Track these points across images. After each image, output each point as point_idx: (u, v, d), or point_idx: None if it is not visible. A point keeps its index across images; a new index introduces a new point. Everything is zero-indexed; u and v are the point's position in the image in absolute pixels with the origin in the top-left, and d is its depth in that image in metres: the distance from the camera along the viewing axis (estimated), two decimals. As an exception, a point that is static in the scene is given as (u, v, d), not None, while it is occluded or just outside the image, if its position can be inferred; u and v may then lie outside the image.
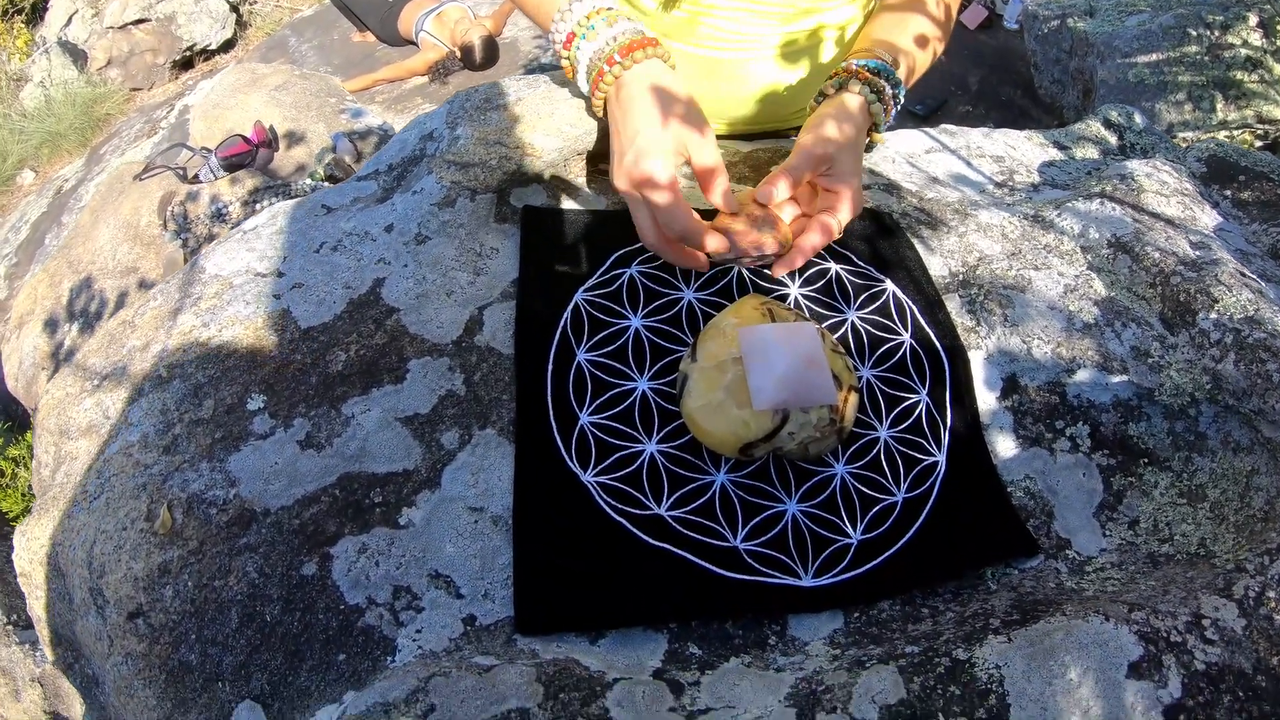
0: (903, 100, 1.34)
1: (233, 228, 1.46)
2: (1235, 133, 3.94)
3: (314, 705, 0.98)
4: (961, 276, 1.38)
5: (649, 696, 0.92)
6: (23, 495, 3.54)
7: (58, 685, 2.89)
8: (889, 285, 1.35)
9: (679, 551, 1.07)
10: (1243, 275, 1.30)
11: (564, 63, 1.30)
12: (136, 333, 1.30)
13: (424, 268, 1.31)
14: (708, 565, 1.06)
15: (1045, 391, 1.26)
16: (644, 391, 1.19)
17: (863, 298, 1.33)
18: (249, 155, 3.99)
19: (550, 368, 1.20)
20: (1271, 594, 0.95)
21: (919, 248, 1.41)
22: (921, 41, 1.38)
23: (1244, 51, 4.01)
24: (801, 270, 1.35)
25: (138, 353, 1.26)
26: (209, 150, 3.99)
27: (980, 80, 5.33)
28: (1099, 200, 1.46)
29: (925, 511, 1.14)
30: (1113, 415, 1.23)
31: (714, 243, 1.18)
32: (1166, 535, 1.14)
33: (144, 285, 3.66)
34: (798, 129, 1.32)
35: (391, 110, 6.27)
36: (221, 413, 1.17)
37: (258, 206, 3.72)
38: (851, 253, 1.38)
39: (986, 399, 1.26)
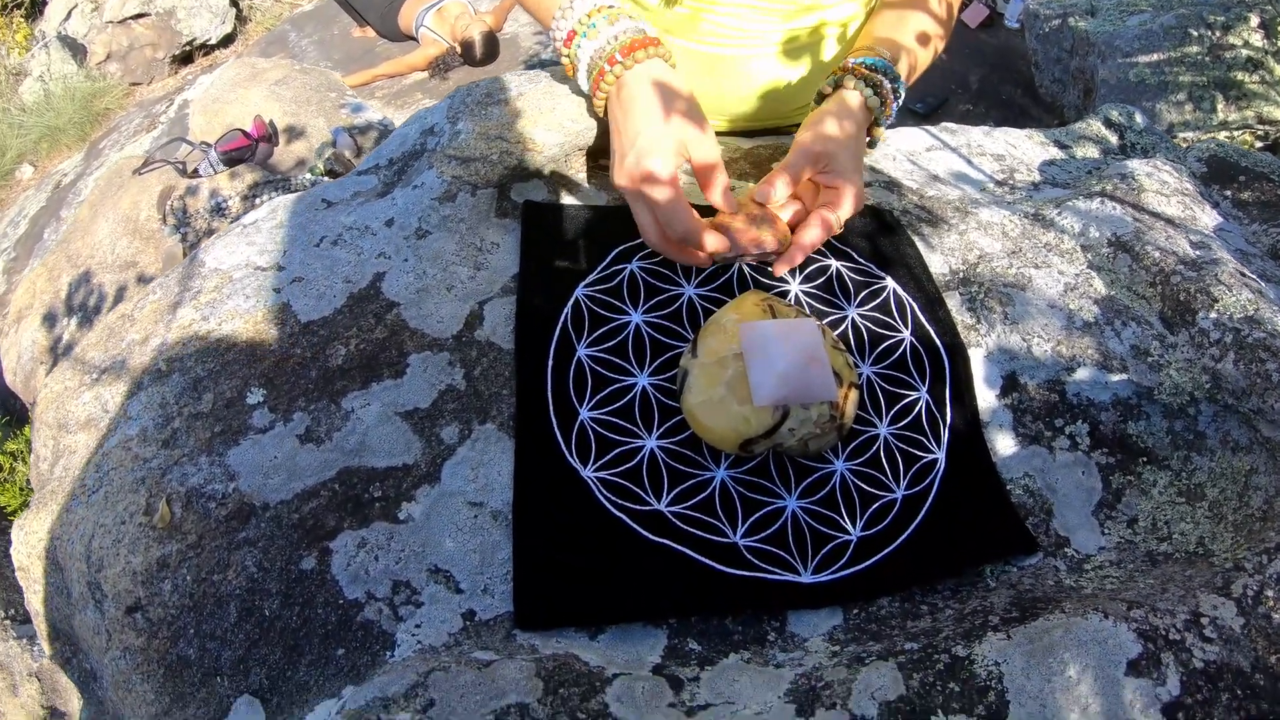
0: (903, 97, 1.33)
1: (232, 222, 1.46)
2: (1236, 133, 3.95)
3: (313, 700, 0.98)
4: (962, 274, 1.38)
5: (648, 692, 0.92)
6: (20, 489, 3.53)
7: (55, 680, 2.89)
8: (889, 282, 1.35)
9: (679, 547, 1.07)
10: (1242, 275, 1.30)
11: (564, 60, 1.30)
12: (135, 326, 1.30)
13: (424, 262, 1.31)
14: (707, 561, 1.06)
15: (1045, 389, 1.26)
16: (644, 387, 1.19)
17: (863, 295, 1.33)
18: (249, 150, 3.99)
19: (550, 363, 1.20)
20: (1270, 593, 0.95)
21: (919, 245, 1.41)
22: (923, 39, 1.38)
23: (1245, 52, 4.01)
24: (802, 267, 1.35)
25: (137, 346, 1.26)
26: (208, 145, 3.98)
27: (981, 79, 5.33)
28: (1099, 199, 1.46)
29: (925, 509, 1.14)
30: (1112, 414, 1.23)
31: (714, 242, 1.18)
32: (1165, 534, 1.14)
33: (143, 279, 3.65)
34: (799, 125, 1.31)
35: (391, 105, 6.27)
36: (221, 406, 1.17)
37: (257, 201, 3.72)
38: (852, 250, 1.38)
39: (986, 397, 1.26)
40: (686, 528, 1.08)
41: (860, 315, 1.30)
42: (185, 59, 7.75)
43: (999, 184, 1.66)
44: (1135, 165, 1.56)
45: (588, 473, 1.11)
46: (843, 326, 1.29)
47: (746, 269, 1.33)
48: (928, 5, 1.39)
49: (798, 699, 0.91)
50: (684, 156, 1.20)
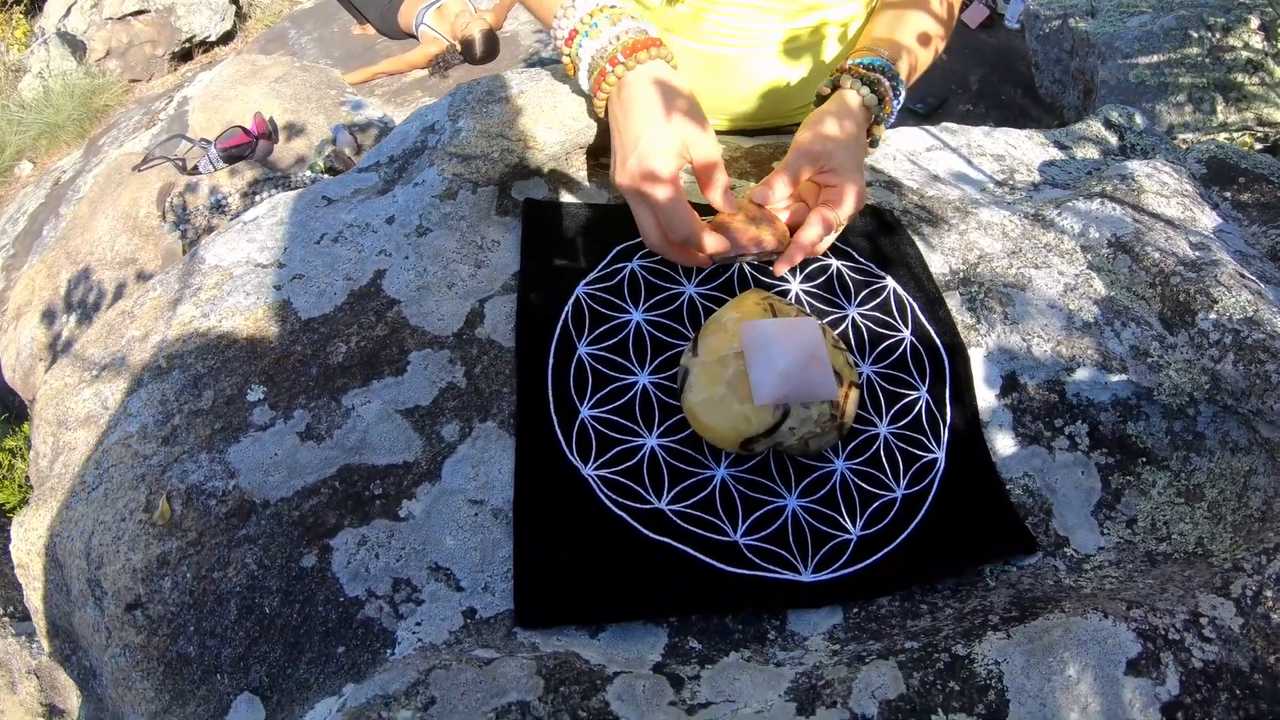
0: (904, 97, 1.33)
1: (232, 219, 1.46)
2: (1235, 135, 3.95)
3: (313, 697, 0.98)
4: (962, 274, 1.38)
5: (649, 690, 0.92)
6: (19, 486, 3.53)
7: (54, 677, 2.89)
8: (890, 282, 1.35)
9: (679, 545, 1.07)
10: (1242, 276, 1.30)
11: (565, 60, 1.30)
12: (135, 323, 1.30)
13: (425, 260, 1.31)
14: (708, 560, 1.06)
15: (1045, 390, 1.26)
16: (645, 385, 1.19)
17: (863, 294, 1.33)
18: (249, 147, 3.99)
19: (551, 361, 1.20)
20: (1268, 593, 0.95)
21: (920, 245, 1.41)
22: (923, 39, 1.38)
23: (1245, 54, 4.02)
24: (802, 266, 1.35)
25: (137, 343, 1.26)
26: (208, 142, 3.99)
27: (981, 79, 5.33)
28: (1099, 200, 1.47)
29: (924, 508, 1.14)
30: (1111, 414, 1.23)
31: (713, 243, 1.18)
32: (1164, 534, 1.14)
33: (142, 276, 3.66)
34: (799, 125, 1.32)
35: (391, 103, 6.27)
36: (221, 404, 1.17)
37: (257, 198, 3.72)
38: (852, 249, 1.38)
39: (986, 396, 1.26)
40: (687, 526, 1.08)
41: (860, 315, 1.31)
42: (185, 56, 7.76)
43: (999, 184, 1.66)
44: (1135, 166, 1.56)
45: (588, 471, 1.11)
46: (843, 326, 1.29)
47: (747, 268, 1.33)
48: (928, 5, 1.39)
49: (798, 697, 0.92)
50: (685, 158, 1.20)
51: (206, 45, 7.84)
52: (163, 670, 1.02)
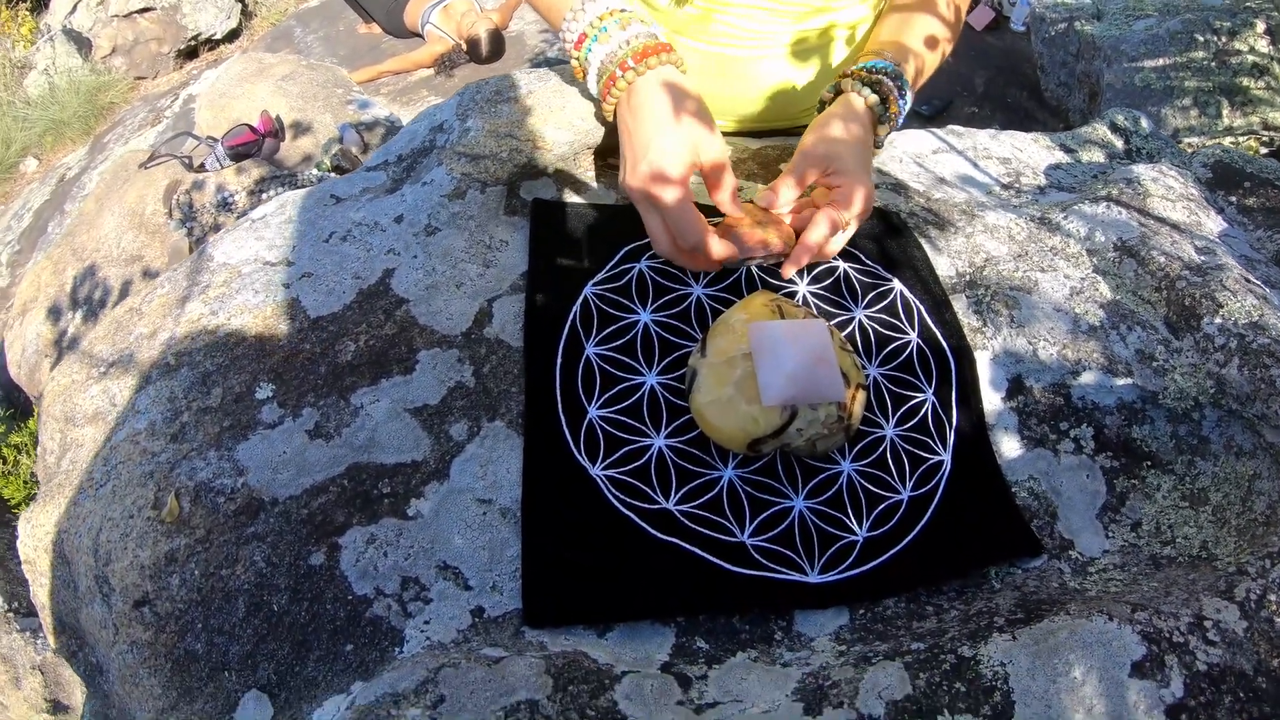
0: (910, 98, 1.33)
1: (239, 217, 1.46)
2: (1241, 139, 3.94)
3: (321, 695, 0.98)
4: (968, 277, 1.39)
5: (657, 689, 0.92)
6: (25, 482, 3.53)
7: (58, 673, 2.90)
8: (896, 284, 1.35)
9: (687, 546, 1.07)
10: (1247, 281, 1.30)
11: (574, 63, 1.29)
12: (144, 320, 1.30)
13: (434, 259, 1.31)
14: (715, 560, 1.06)
15: (1050, 393, 1.26)
16: (653, 386, 1.20)
17: (870, 296, 1.33)
18: (255, 145, 3.99)
19: (559, 361, 1.20)
20: (1272, 597, 0.96)
21: (926, 248, 1.41)
22: (930, 42, 1.38)
23: (1251, 58, 4.02)
24: (810, 268, 1.35)
25: (145, 340, 1.27)
26: (215, 139, 3.99)
27: (986, 82, 5.32)
28: (1105, 204, 1.47)
29: (930, 510, 1.14)
30: (1117, 418, 1.23)
31: (720, 248, 1.18)
32: (1169, 538, 1.14)
33: (148, 274, 3.66)
34: (806, 127, 1.32)
35: (397, 102, 6.27)
36: (230, 401, 1.17)
37: (264, 196, 3.72)
38: (860, 252, 1.38)
39: (992, 399, 1.27)
40: (694, 526, 1.09)
41: (867, 317, 1.31)
42: (190, 54, 7.77)
43: (1005, 187, 1.66)
44: (1141, 170, 1.56)
45: (596, 471, 1.12)
46: (850, 328, 1.29)
47: (755, 270, 1.33)
48: (935, 8, 1.39)
49: (805, 698, 0.92)
50: (695, 163, 1.20)
51: (212, 43, 7.85)
52: (170, 667, 1.03)
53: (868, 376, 1.24)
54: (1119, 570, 1.10)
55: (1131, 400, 1.24)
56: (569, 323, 1.24)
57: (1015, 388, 1.27)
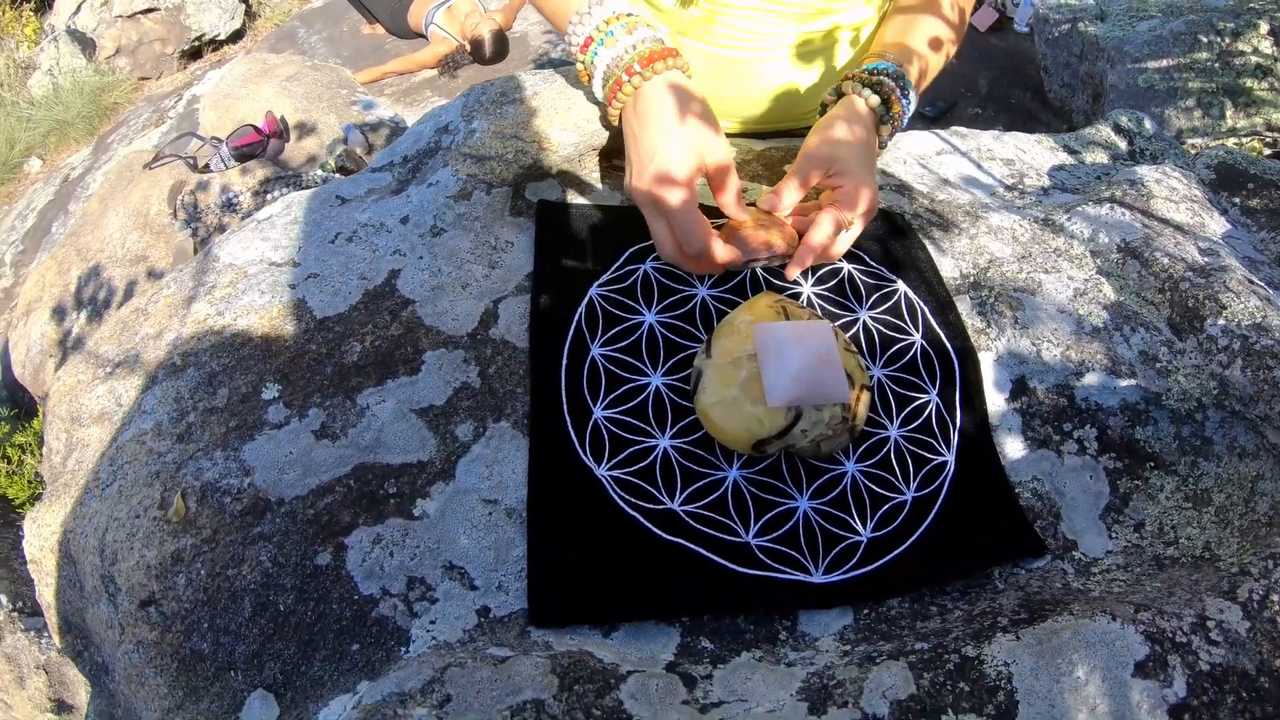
0: (914, 100, 1.33)
1: (244, 217, 1.47)
2: (1244, 140, 3.94)
3: (327, 695, 0.98)
4: (972, 278, 1.39)
5: (662, 689, 0.93)
6: (29, 482, 3.54)
7: (63, 672, 2.90)
8: (901, 286, 1.35)
9: (692, 546, 1.07)
10: (1250, 282, 1.31)
11: (579, 67, 1.29)
12: (150, 320, 1.31)
13: (439, 260, 1.32)
14: (720, 560, 1.07)
15: (1054, 394, 1.26)
16: (658, 387, 1.20)
17: (874, 298, 1.33)
18: (260, 145, 4.00)
19: (565, 362, 1.21)
20: (1275, 597, 0.96)
21: (930, 249, 1.42)
22: (935, 43, 1.38)
23: (1254, 59, 4.01)
24: (814, 269, 1.35)
25: (151, 340, 1.27)
26: (220, 140, 3.99)
27: (990, 83, 5.32)
28: (1109, 205, 1.47)
29: (934, 511, 1.15)
30: (1120, 419, 1.24)
31: (724, 253, 1.18)
32: (1172, 538, 1.14)
33: (153, 274, 3.66)
34: (810, 128, 1.32)
35: (401, 103, 6.28)
36: (236, 401, 1.17)
37: (268, 197, 3.73)
38: (864, 253, 1.39)
39: (996, 400, 1.27)
40: (699, 527, 1.09)
41: (872, 318, 1.31)
42: (194, 54, 7.78)
43: (1009, 188, 1.66)
44: (1144, 171, 1.57)
45: (601, 471, 1.12)
46: (854, 329, 1.29)
47: (760, 271, 1.33)
48: (939, 9, 1.40)
49: (810, 697, 0.92)
50: (701, 168, 1.20)
51: (216, 43, 7.86)
52: (176, 666, 1.03)
53: (872, 378, 1.25)
54: (1122, 571, 1.10)
55: (1135, 401, 1.24)
56: (574, 324, 1.24)
57: (1019, 389, 1.27)
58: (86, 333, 3.58)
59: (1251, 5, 4.18)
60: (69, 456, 1.24)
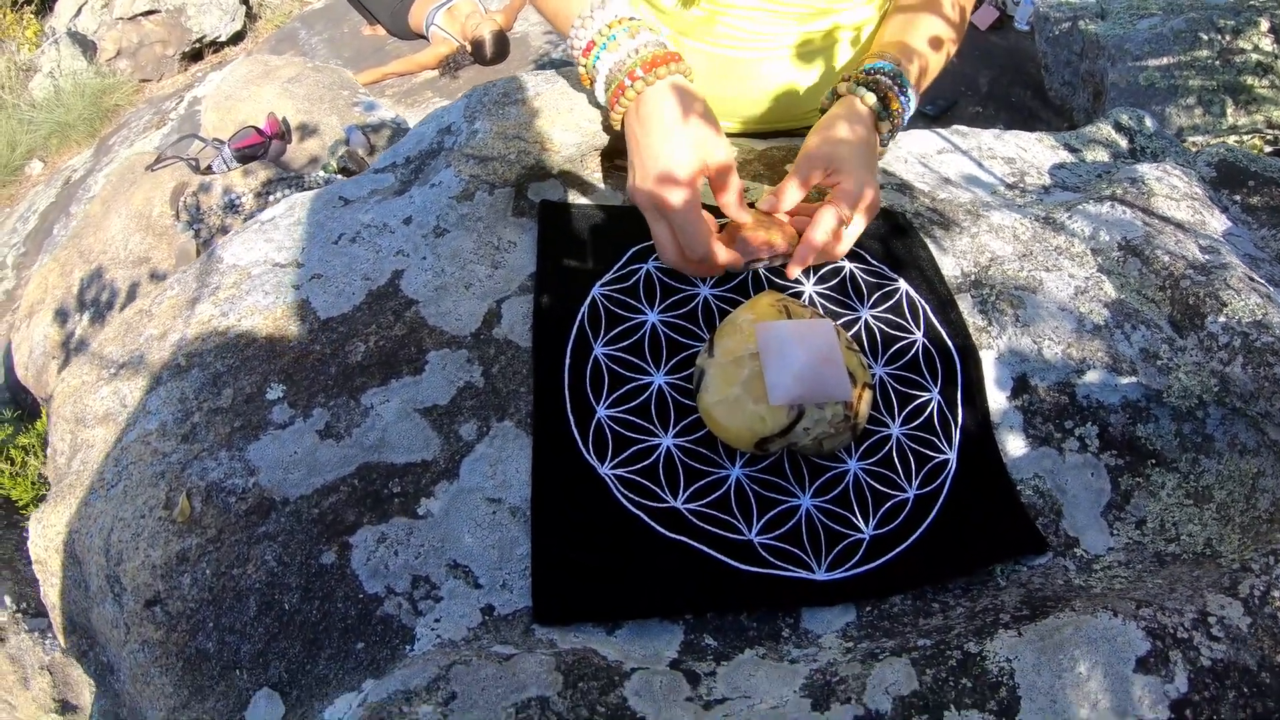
0: (913, 97, 1.34)
1: (246, 219, 1.47)
2: (1245, 138, 3.94)
3: (332, 693, 0.99)
4: (973, 276, 1.39)
5: (666, 686, 0.93)
6: (32, 484, 3.54)
7: (67, 673, 2.90)
8: (902, 284, 1.36)
9: (695, 544, 1.08)
10: (1251, 280, 1.31)
11: (580, 70, 1.28)
12: (154, 321, 1.31)
13: (442, 260, 1.32)
14: (723, 558, 1.07)
15: (1055, 392, 1.27)
16: (660, 386, 1.20)
17: (876, 296, 1.34)
18: (262, 147, 4.00)
19: (568, 361, 1.21)
20: (1276, 593, 0.96)
21: (931, 247, 1.42)
22: (935, 42, 1.38)
23: (1255, 56, 4.01)
24: (816, 268, 1.36)
25: (155, 341, 1.27)
26: (222, 141, 3.99)
27: (991, 81, 5.32)
28: (1109, 203, 1.47)
29: (936, 508, 1.15)
30: (1121, 416, 1.24)
31: (726, 256, 1.19)
32: (1173, 535, 1.15)
33: (155, 276, 3.66)
34: (811, 128, 1.32)
35: (402, 104, 6.28)
36: (240, 402, 1.18)
37: (270, 198, 3.72)
38: (865, 252, 1.39)
39: (997, 398, 1.27)
40: (702, 525, 1.09)
41: (873, 316, 1.31)
42: (195, 56, 7.78)
43: (1010, 187, 1.67)
44: (1145, 169, 1.57)
45: (605, 470, 1.12)
46: (856, 327, 1.30)
47: (762, 271, 1.33)
48: (939, 8, 1.40)
49: (813, 693, 0.92)
50: (703, 170, 1.20)
51: (217, 45, 7.86)
52: (181, 666, 1.03)
53: (874, 376, 1.25)
54: (1124, 567, 1.11)
55: (1136, 399, 1.25)
56: (577, 323, 1.25)
57: (1020, 386, 1.28)
58: (89, 334, 3.58)
59: (1252, 3, 4.18)
60: (74, 457, 1.24)
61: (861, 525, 1.12)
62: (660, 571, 1.06)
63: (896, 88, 1.29)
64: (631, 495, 1.11)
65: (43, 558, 1.20)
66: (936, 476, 1.18)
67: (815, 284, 1.34)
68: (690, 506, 1.10)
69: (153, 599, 1.05)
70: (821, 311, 1.29)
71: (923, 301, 1.34)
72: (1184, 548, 1.13)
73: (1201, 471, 1.19)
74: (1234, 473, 1.18)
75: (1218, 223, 1.51)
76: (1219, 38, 4.10)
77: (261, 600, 1.04)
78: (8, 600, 3.09)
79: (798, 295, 1.32)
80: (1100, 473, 1.21)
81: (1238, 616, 0.94)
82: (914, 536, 1.12)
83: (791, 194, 1.24)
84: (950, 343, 1.30)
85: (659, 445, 1.15)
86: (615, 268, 1.32)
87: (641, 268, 1.32)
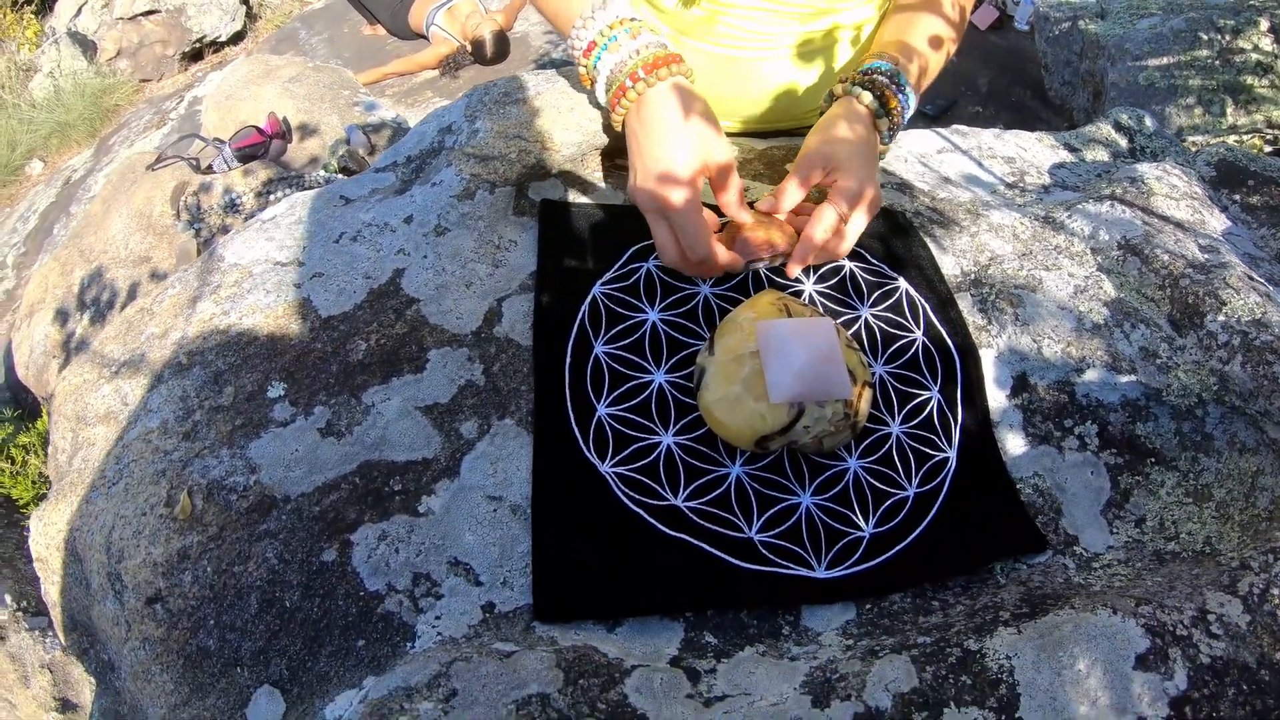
0: (912, 96, 1.34)
1: (247, 218, 1.47)
2: (1245, 137, 3.94)
3: (333, 690, 0.99)
4: (973, 275, 1.39)
5: (667, 683, 0.93)
6: (33, 482, 3.53)
7: (67, 671, 2.90)
8: (902, 283, 1.36)
9: (695, 542, 1.08)
10: (1250, 279, 1.31)
11: (581, 71, 1.28)
12: (155, 320, 1.31)
13: (443, 259, 1.32)
14: (723, 556, 1.07)
15: (1055, 390, 1.27)
16: (661, 384, 1.21)
17: (876, 295, 1.34)
18: (262, 146, 3.99)
19: (568, 359, 1.21)
20: (1275, 591, 0.96)
21: (931, 247, 1.42)
22: (935, 41, 1.38)
23: (1255, 56, 4.01)
24: (816, 267, 1.36)
25: (156, 340, 1.28)
26: (222, 141, 3.99)
27: (990, 81, 5.32)
28: (1109, 203, 1.47)
29: (936, 506, 1.15)
30: (1121, 415, 1.24)
31: (727, 258, 1.19)
32: (1173, 533, 1.15)
33: (156, 275, 3.66)
34: (811, 128, 1.32)
35: (402, 104, 6.28)
36: (242, 400, 1.18)
37: (271, 198, 3.72)
38: (865, 251, 1.39)
39: (997, 397, 1.27)
40: (703, 523, 1.09)
41: (873, 315, 1.32)
42: (195, 56, 7.78)
43: (1009, 186, 1.67)
44: (1145, 169, 1.57)
45: (605, 468, 1.13)
46: (856, 326, 1.30)
47: (762, 270, 1.33)
48: (939, 7, 1.40)
49: (813, 690, 0.93)
50: (704, 171, 1.20)
51: (217, 45, 7.86)
52: (182, 663, 1.03)
53: (874, 374, 1.25)
54: (1123, 565, 1.11)
55: (1135, 397, 1.25)
56: (578, 322, 1.25)
57: (1020, 385, 1.28)
58: (90, 334, 3.58)
59: (1251, 2, 4.17)
60: (75, 455, 1.24)
61: (861, 523, 1.12)
62: (660, 569, 1.06)
63: (894, 86, 1.29)
64: (632, 493, 1.11)
65: (44, 555, 1.20)
66: (936, 475, 1.18)
67: (815, 283, 1.34)
68: (690, 504, 1.11)
69: (154, 596, 1.05)
70: (822, 310, 1.30)
71: (923, 300, 1.34)
72: (1183, 546, 1.13)
73: (1201, 470, 1.19)
74: (1233, 471, 1.18)
75: (1217, 222, 1.51)
76: (1219, 37, 4.10)
77: (262, 598, 1.04)
78: (8, 598, 3.09)
79: (798, 294, 1.32)
80: (1100, 471, 1.21)
81: (1237, 614, 0.95)
82: (914, 535, 1.12)
83: (791, 194, 1.24)
84: (950, 341, 1.30)
85: (659, 443, 1.16)
86: (616, 266, 1.32)
87: (642, 266, 1.32)
